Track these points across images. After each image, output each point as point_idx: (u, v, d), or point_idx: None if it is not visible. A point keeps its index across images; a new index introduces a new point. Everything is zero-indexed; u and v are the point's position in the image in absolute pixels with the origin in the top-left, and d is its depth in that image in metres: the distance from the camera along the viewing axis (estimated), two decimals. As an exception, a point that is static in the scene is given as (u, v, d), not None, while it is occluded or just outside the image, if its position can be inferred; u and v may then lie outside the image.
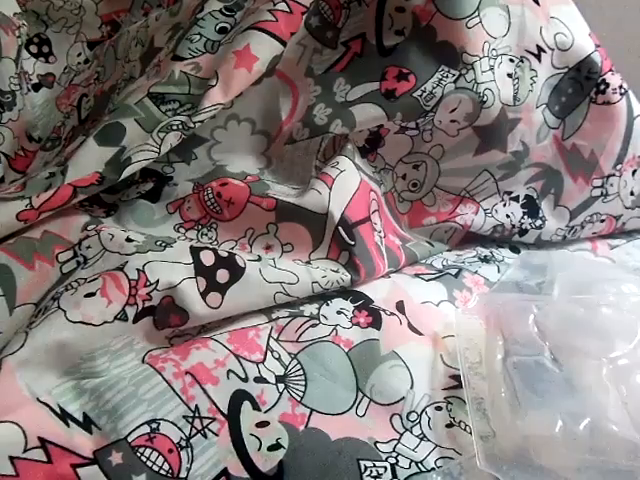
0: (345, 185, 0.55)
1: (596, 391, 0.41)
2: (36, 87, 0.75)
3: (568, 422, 0.40)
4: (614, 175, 0.66)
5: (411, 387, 0.46)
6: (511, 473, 0.40)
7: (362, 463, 0.41)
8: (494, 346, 0.46)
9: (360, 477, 0.40)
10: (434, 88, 0.57)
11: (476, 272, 0.59)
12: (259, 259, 0.50)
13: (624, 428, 0.39)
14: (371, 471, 0.41)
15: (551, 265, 0.59)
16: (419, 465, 0.42)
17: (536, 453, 0.40)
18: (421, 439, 0.43)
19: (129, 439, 0.39)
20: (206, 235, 0.54)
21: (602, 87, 0.63)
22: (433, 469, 0.41)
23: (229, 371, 0.44)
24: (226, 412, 0.42)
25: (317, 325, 0.49)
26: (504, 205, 0.65)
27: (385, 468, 0.41)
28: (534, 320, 0.46)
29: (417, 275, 0.58)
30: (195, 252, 0.49)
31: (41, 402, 0.40)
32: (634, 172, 0.67)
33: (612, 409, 0.40)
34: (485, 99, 0.57)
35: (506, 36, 0.60)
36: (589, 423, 0.40)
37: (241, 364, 0.44)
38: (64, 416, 0.40)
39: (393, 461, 0.41)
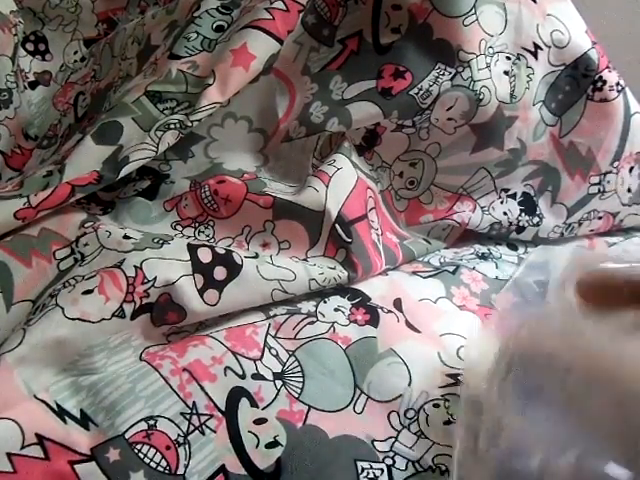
0: (342, 183, 0.55)
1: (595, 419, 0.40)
2: (33, 85, 0.75)
3: (551, 454, 0.39)
4: (611, 172, 0.66)
5: (409, 384, 0.46)
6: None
7: (359, 464, 0.41)
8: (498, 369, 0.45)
9: (357, 478, 0.40)
10: (430, 86, 0.57)
11: (474, 268, 0.59)
12: (256, 256, 0.50)
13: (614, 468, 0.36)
14: (368, 472, 0.41)
15: (554, 263, 0.59)
16: (416, 465, 0.42)
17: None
18: (419, 437, 0.43)
19: (126, 436, 0.39)
20: (203, 232, 0.54)
21: (599, 84, 0.63)
22: (430, 467, 0.41)
23: (226, 368, 0.44)
24: (224, 409, 0.42)
25: (315, 322, 0.49)
26: (501, 202, 0.65)
27: (382, 470, 0.41)
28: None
29: (415, 273, 0.58)
30: (193, 249, 0.48)
31: (38, 399, 0.40)
32: (631, 169, 0.67)
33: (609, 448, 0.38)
34: (482, 97, 0.57)
35: (503, 34, 0.60)
36: (575, 459, 0.38)
37: (238, 361, 0.44)
38: (61, 413, 0.40)
39: (390, 462, 0.41)
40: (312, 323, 0.49)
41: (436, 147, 0.61)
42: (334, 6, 0.60)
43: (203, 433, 0.40)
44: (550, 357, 0.42)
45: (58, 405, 0.40)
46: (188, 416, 0.41)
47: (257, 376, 0.44)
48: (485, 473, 0.39)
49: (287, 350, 0.47)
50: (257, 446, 0.40)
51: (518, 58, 0.61)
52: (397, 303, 0.53)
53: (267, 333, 0.48)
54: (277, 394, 0.43)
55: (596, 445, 0.37)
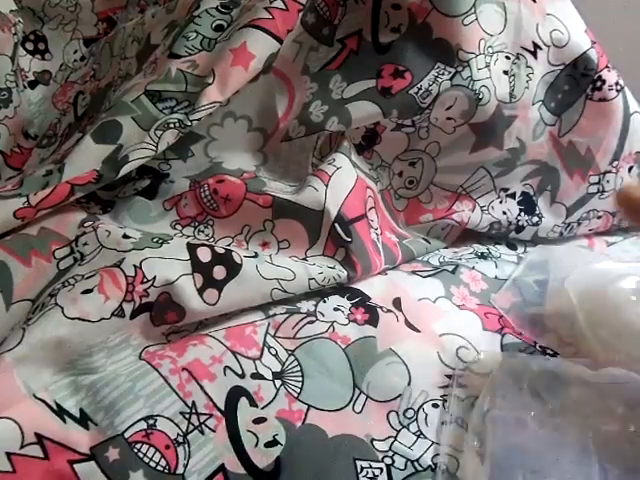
0: (341, 182, 0.55)
1: (574, 454, 0.40)
2: (32, 84, 0.75)
3: None
4: (610, 172, 0.66)
5: (408, 384, 0.46)
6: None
7: (359, 463, 0.41)
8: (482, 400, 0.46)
9: (356, 477, 0.40)
10: (430, 85, 0.57)
11: (473, 268, 0.59)
12: (256, 256, 0.50)
13: None
14: (367, 472, 0.41)
15: (553, 262, 0.59)
16: (415, 464, 0.42)
17: None
18: (418, 436, 0.43)
19: (126, 435, 0.39)
20: (202, 232, 0.54)
21: (598, 84, 0.63)
22: (429, 467, 0.41)
23: (226, 367, 0.44)
24: (223, 408, 0.42)
25: (314, 322, 0.49)
26: (500, 202, 0.65)
27: (381, 469, 0.41)
28: (529, 379, 0.45)
29: (414, 272, 0.58)
30: (192, 249, 0.49)
31: (38, 398, 0.40)
32: (630, 169, 0.67)
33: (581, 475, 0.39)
34: (481, 96, 0.57)
35: (502, 33, 0.60)
36: None
37: (238, 360, 0.45)
38: (61, 412, 0.40)
39: (389, 461, 0.41)
40: (311, 322, 0.49)
41: (435, 146, 0.61)
42: (334, 5, 0.60)
43: (202, 432, 0.41)
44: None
45: (57, 404, 0.40)
46: (187, 415, 0.41)
47: (256, 375, 0.44)
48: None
49: (286, 349, 0.47)
50: (256, 445, 0.40)
51: (517, 58, 0.61)
52: (396, 302, 0.53)
53: (266, 332, 0.48)
54: (276, 393, 0.44)
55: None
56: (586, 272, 0.55)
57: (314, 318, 0.49)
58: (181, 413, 0.41)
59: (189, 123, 0.53)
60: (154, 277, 0.46)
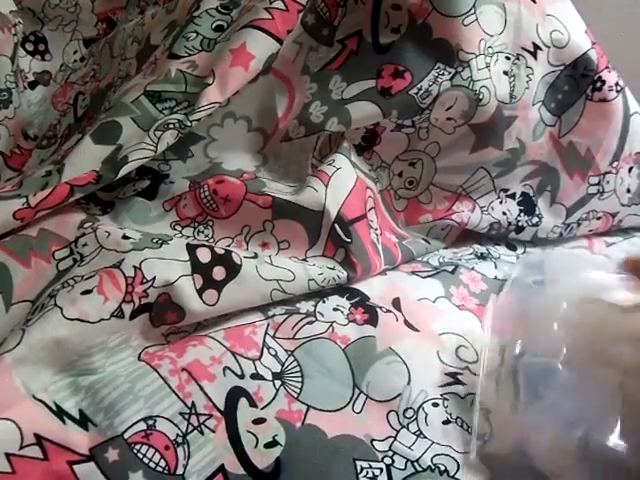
0: (341, 183, 0.55)
1: (601, 399, 0.40)
2: (32, 85, 0.75)
3: (562, 431, 0.39)
4: (610, 172, 0.66)
5: (408, 383, 0.46)
6: (502, 472, 0.40)
7: (358, 463, 0.41)
8: (509, 343, 0.45)
9: (356, 478, 0.40)
10: (430, 86, 0.57)
11: (472, 268, 0.59)
12: (255, 256, 0.50)
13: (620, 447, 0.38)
14: (367, 472, 0.41)
15: (549, 263, 0.59)
16: (415, 464, 0.42)
17: (531, 454, 0.40)
18: (417, 436, 0.43)
19: (125, 436, 0.39)
20: (202, 232, 0.54)
21: (598, 84, 0.63)
22: (429, 467, 0.41)
23: (225, 368, 0.44)
24: (223, 409, 0.42)
25: (313, 322, 0.49)
26: (500, 202, 0.65)
27: (381, 470, 0.41)
28: (558, 318, 0.44)
29: (413, 272, 0.58)
30: (192, 249, 0.48)
31: (37, 399, 0.40)
32: (630, 169, 0.67)
33: (612, 422, 0.39)
34: (481, 97, 0.57)
35: (502, 34, 0.60)
36: (583, 434, 0.39)
37: (237, 361, 0.44)
38: (60, 413, 0.40)
39: (389, 461, 0.41)
40: (311, 323, 0.49)
41: (435, 147, 0.61)
42: (334, 6, 0.60)
43: (202, 433, 0.40)
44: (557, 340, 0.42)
45: (57, 405, 0.40)
46: (187, 416, 0.41)
47: (256, 376, 0.44)
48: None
49: (286, 350, 0.47)
50: (256, 446, 0.40)
51: (517, 58, 0.61)
52: (396, 302, 0.53)
53: (266, 333, 0.48)
54: (276, 394, 0.44)
55: (601, 420, 0.38)
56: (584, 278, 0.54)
57: (313, 318, 0.49)
58: (181, 414, 0.41)
59: (189, 124, 0.53)
60: (154, 278, 0.46)
